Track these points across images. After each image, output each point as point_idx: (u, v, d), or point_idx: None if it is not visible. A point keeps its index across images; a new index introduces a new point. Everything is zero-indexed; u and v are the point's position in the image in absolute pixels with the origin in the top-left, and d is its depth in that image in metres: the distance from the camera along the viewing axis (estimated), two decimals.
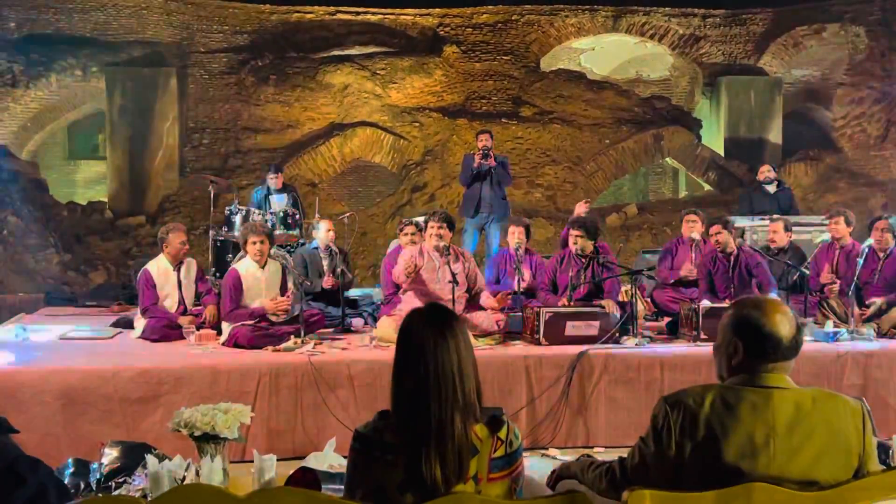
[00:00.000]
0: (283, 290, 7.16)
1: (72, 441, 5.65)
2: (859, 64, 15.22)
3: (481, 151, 9.62)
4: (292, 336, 6.67)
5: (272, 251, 7.22)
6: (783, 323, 2.60)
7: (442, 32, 15.73)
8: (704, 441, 2.52)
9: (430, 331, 2.50)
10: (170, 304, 7.36)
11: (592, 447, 6.16)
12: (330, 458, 3.64)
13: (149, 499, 3.45)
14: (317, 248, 8.22)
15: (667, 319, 7.50)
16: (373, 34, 15.67)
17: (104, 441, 4.60)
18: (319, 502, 2.33)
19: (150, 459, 3.42)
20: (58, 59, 14.38)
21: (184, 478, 3.24)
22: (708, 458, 2.51)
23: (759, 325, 2.61)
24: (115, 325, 7.79)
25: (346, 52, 15.52)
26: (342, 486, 3.51)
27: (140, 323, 7.22)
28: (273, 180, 9.86)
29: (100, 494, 3.49)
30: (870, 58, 15.07)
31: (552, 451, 6.07)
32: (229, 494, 2.30)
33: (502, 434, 2.52)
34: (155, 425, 5.78)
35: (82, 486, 3.95)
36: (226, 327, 6.85)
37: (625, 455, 2.75)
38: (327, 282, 7.90)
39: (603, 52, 17.18)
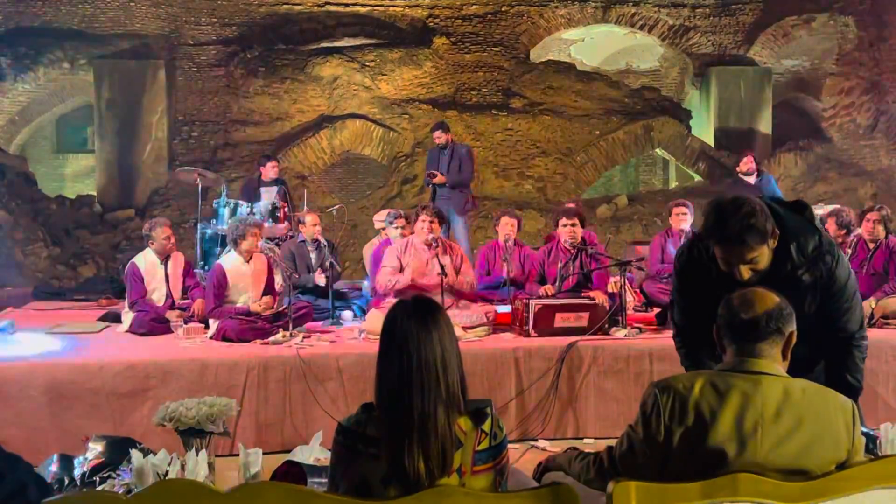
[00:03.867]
0: (270, 284, 7.14)
1: (59, 436, 5.63)
2: (848, 54, 15.20)
3: (427, 174, 9.85)
4: (280, 329, 6.66)
5: (259, 244, 7.18)
6: (744, 303, 2.64)
7: (431, 24, 15.67)
8: (693, 426, 2.51)
9: (414, 323, 2.48)
10: (157, 297, 7.33)
11: (582, 438, 6.18)
12: (316, 452, 3.62)
13: (133, 494, 3.43)
14: (304, 242, 8.19)
15: (656, 310, 7.49)
16: (362, 26, 15.59)
17: (90, 435, 4.58)
18: (302, 496, 2.31)
19: (135, 454, 3.40)
20: (45, 52, 14.26)
21: (167, 472, 3.21)
22: (696, 443, 2.50)
23: (724, 305, 2.68)
24: (102, 319, 7.75)
25: (336, 43, 15.44)
26: (328, 480, 3.50)
27: (127, 317, 7.19)
28: (272, 169, 9.82)
29: (84, 490, 3.46)
30: (859, 47, 15.04)
31: (542, 443, 6.07)
32: (212, 490, 2.28)
33: (486, 426, 2.50)
34: (143, 419, 5.77)
35: (66, 481, 3.92)
36: (214, 321, 6.82)
37: (613, 445, 2.74)
38: (320, 278, 7.85)
39: (592, 43, 17.15)
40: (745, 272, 3.17)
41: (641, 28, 16.39)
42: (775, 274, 3.21)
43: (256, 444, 5.42)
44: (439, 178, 9.78)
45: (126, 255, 10.52)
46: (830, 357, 3.37)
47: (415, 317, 2.49)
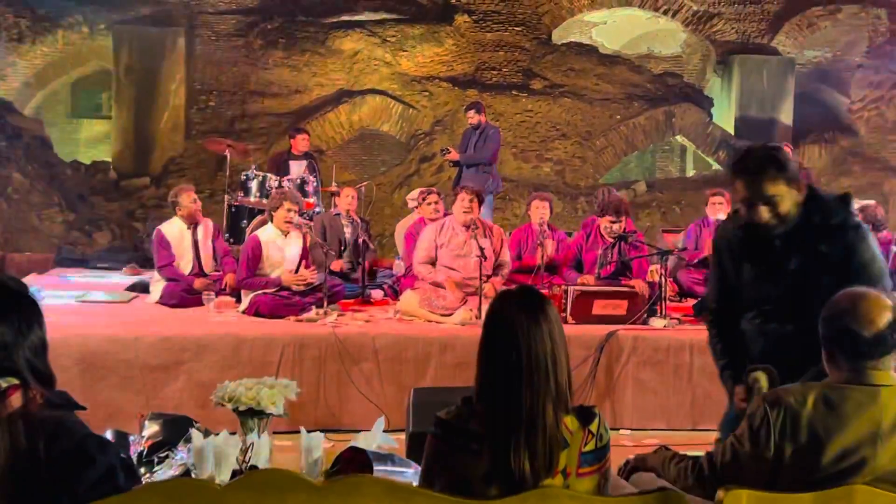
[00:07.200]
0: (304, 259, 7.03)
1: (91, 407, 5.49)
2: (879, 47, 15.06)
3: (442, 150, 9.89)
4: (314, 307, 6.55)
5: (294, 218, 7.06)
6: (860, 317, 2.45)
7: (454, 1, 15.47)
8: (807, 443, 2.40)
9: (524, 314, 2.35)
10: (185, 265, 7.20)
11: (618, 429, 6.09)
12: (378, 439, 3.52)
13: (193, 474, 3.35)
14: (338, 215, 8.08)
15: (691, 301, 7.40)
16: (383, 0, 15.41)
17: (138, 411, 4.49)
18: (401, 492, 2.21)
19: (195, 434, 3.31)
20: (65, 15, 14.10)
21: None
22: (809, 460, 2.39)
23: (838, 319, 2.49)
24: (130, 288, 7.65)
25: (357, 17, 15.26)
26: (394, 468, 3.40)
27: (157, 287, 7.08)
28: (303, 142, 9.72)
29: (169, 473, 3.36)
30: (890, 41, 14.90)
31: None
32: (307, 481, 2.19)
33: (593, 427, 2.39)
34: (176, 393, 5.71)
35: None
36: (245, 295, 6.72)
37: (713, 452, 2.64)
38: (344, 265, 7.81)
39: (615, 26, 16.95)
40: (765, 213, 3.11)
41: (665, 13, 16.19)
42: (795, 238, 3.17)
43: (289, 422, 5.33)
44: (451, 155, 9.77)
45: (150, 222, 10.39)
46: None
47: (524, 308, 2.38)
